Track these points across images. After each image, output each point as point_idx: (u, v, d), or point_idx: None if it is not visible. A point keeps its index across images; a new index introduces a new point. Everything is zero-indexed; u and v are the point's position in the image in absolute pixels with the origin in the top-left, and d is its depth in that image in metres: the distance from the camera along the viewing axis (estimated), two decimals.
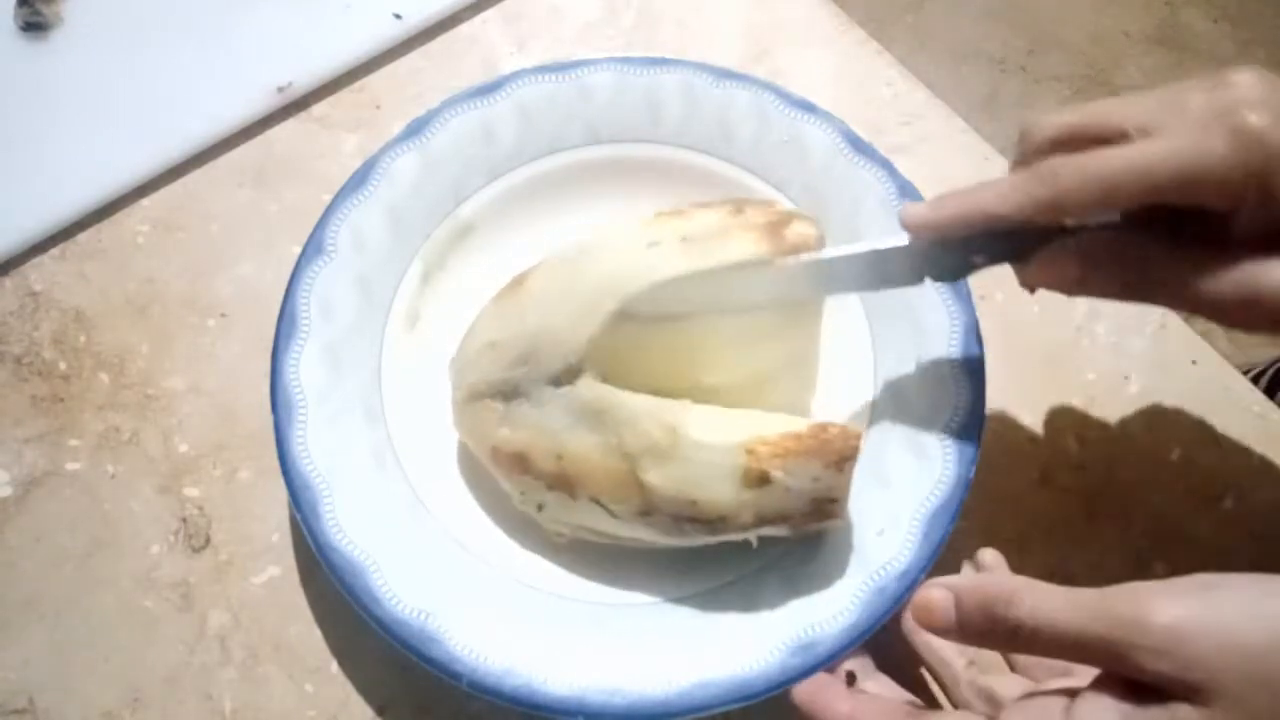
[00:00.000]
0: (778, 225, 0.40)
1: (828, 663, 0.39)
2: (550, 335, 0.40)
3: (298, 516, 0.41)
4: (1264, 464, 0.48)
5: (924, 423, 0.43)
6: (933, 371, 0.44)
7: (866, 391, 0.45)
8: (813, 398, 0.44)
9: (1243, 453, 0.48)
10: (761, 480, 0.37)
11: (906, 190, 0.47)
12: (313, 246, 0.46)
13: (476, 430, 0.43)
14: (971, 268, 0.40)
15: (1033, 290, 0.39)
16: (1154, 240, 0.35)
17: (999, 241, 0.39)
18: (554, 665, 0.39)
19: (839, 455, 0.37)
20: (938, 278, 0.41)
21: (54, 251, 0.52)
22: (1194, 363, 0.50)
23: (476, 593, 0.41)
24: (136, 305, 0.51)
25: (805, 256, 0.40)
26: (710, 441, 0.37)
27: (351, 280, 0.46)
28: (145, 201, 0.53)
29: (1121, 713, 0.30)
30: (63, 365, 0.50)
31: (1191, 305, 0.35)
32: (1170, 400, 0.49)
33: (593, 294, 0.40)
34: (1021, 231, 0.37)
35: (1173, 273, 0.35)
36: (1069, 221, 0.37)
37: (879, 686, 0.39)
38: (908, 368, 0.45)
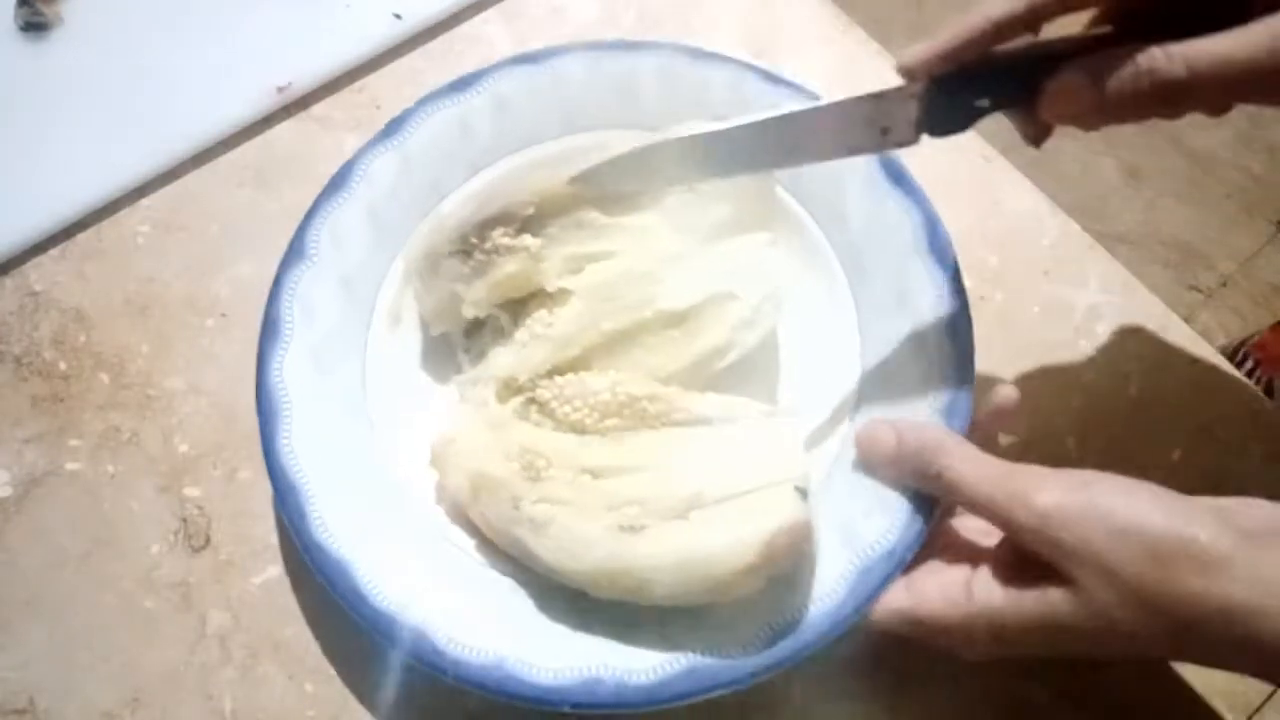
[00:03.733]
0: None
1: (815, 646, 0.38)
2: (500, 187, 0.45)
3: (284, 518, 0.41)
4: (1264, 464, 0.48)
5: (911, 405, 0.43)
6: (919, 354, 0.44)
7: (853, 375, 0.45)
8: (777, 315, 0.44)
9: (1243, 453, 0.48)
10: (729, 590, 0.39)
11: (889, 165, 0.47)
12: (293, 251, 0.46)
13: (443, 302, 0.45)
14: (976, 113, 0.38)
15: (1038, 143, 0.39)
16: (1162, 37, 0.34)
17: (1003, 77, 0.37)
18: (540, 656, 0.39)
19: (796, 554, 0.39)
20: (939, 131, 0.38)
21: (54, 251, 0.52)
22: (1194, 363, 0.50)
23: (462, 587, 0.41)
24: (136, 305, 0.51)
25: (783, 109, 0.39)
26: (674, 592, 0.39)
27: (334, 282, 0.46)
28: (145, 201, 0.53)
29: (1006, 595, 0.35)
30: (63, 365, 0.50)
31: (1224, 85, 0.33)
32: (1170, 400, 0.49)
33: (545, 170, 0.44)
34: (1026, 63, 0.36)
35: (1195, 56, 0.33)
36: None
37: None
38: (894, 351, 0.45)
